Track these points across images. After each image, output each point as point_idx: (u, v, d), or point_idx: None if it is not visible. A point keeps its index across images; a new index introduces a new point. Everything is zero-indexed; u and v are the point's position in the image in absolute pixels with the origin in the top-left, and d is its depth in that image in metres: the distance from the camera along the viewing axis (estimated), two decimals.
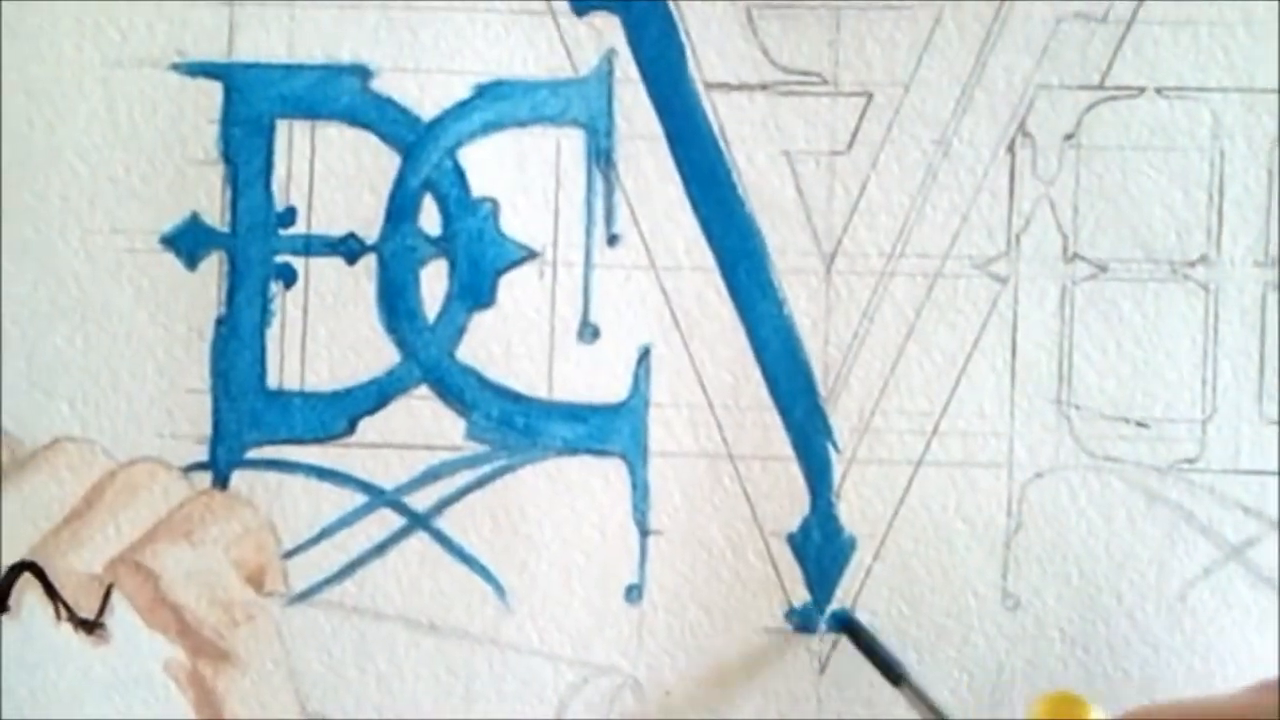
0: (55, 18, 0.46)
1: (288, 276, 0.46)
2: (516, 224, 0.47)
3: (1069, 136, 0.46)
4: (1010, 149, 0.46)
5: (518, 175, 0.47)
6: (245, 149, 0.46)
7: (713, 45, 0.47)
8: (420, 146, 0.46)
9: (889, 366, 0.46)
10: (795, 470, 0.46)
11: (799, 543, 0.46)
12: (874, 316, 0.46)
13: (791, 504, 0.46)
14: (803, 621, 0.46)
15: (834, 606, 0.46)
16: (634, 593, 0.46)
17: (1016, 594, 0.46)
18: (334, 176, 0.47)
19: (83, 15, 0.46)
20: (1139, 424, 0.46)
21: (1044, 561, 0.46)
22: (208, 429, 0.46)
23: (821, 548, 0.46)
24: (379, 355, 0.47)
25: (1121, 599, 0.46)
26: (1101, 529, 0.46)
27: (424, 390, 0.46)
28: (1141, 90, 0.46)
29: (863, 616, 0.46)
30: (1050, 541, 0.46)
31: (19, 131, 0.46)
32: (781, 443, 0.46)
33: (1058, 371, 0.46)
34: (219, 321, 0.46)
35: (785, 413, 0.46)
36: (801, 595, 0.46)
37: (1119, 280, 0.46)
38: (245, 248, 0.46)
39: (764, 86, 0.47)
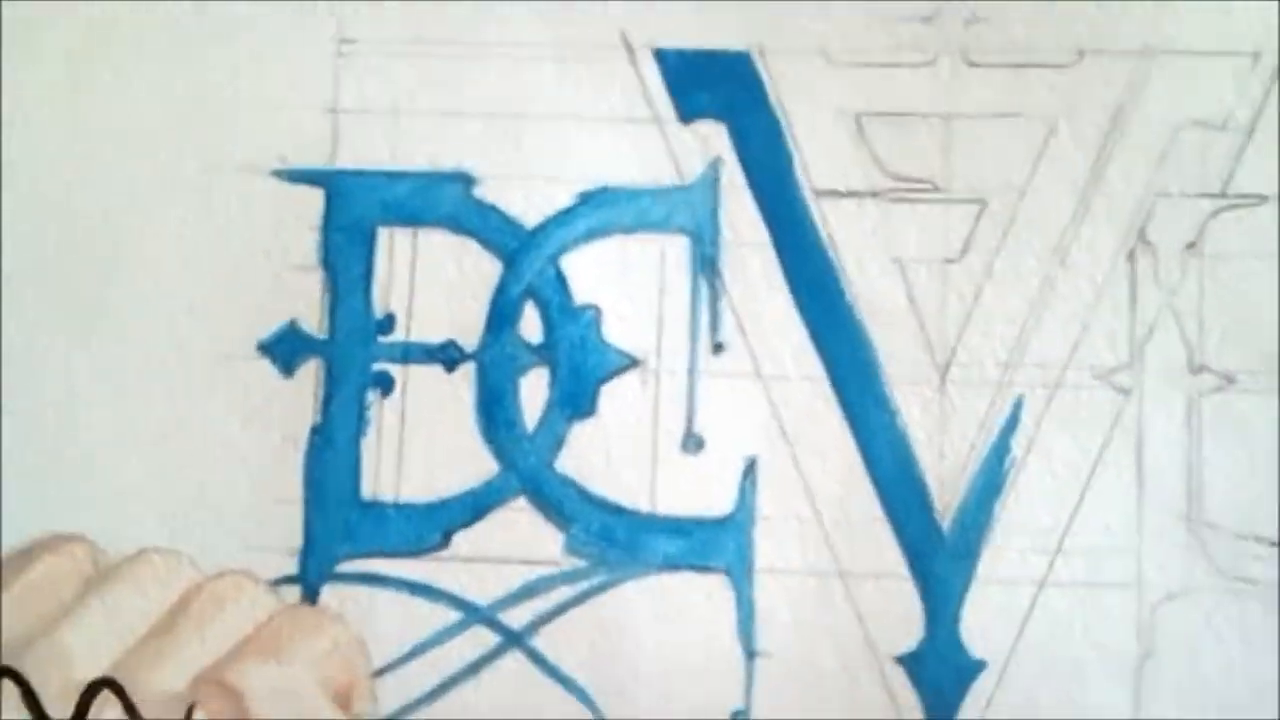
0: (157, 120, 0.46)
1: (385, 384, 0.45)
2: (619, 332, 0.45)
3: (1190, 245, 0.45)
4: (1130, 257, 0.45)
5: (621, 282, 0.46)
6: (345, 255, 0.46)
7: (821, 152, 0.46)
8: (523, 253, 0.46)
9: (1008, 481, 0.44)
10: (910, 589, 0.44)
11: (915, 666, 0.44)
12: (991, 428, 0.45)
13: (906, 625, 0.44)
14: None
15: None
16: (740, 718, 0.44)
17: None
18: (435, 283, 0.46)
19: (185, 119, 0.46)
20: (1272, 544, 0.44)
21: (1177, 690, 0.43)
22: (299, 541, 0.45)
23: (939, 672, 0.44)
24: (476, 465, 0.45)
25: None
26: (1238, 654, 0.43)
27: (522, 502, 0.45)
28: (1264, 198, 0.45)
29: None
30: (1183, 668, 0.43)
31: (118, 233, 0.46)
32: (895, 560, 0.44)
33: (1186, 487, 0.44)
34: (314, 430, 0.45)
35: (898, 528, 0.44)
36: None
37: (1247, 392, 0.44)
38: (343, 355, 0.45)
39: (874, 194, 0.46)
